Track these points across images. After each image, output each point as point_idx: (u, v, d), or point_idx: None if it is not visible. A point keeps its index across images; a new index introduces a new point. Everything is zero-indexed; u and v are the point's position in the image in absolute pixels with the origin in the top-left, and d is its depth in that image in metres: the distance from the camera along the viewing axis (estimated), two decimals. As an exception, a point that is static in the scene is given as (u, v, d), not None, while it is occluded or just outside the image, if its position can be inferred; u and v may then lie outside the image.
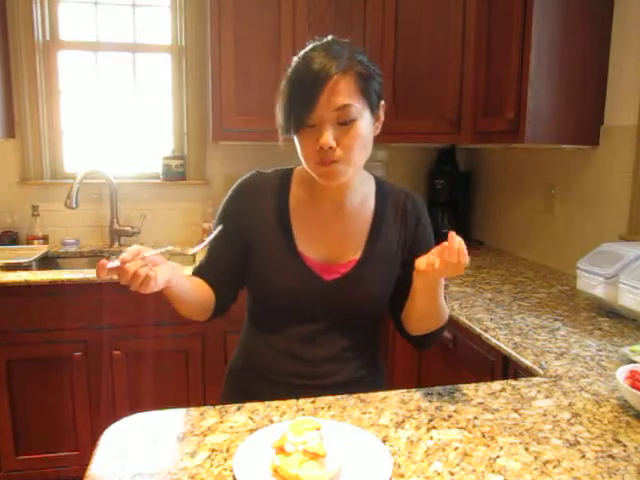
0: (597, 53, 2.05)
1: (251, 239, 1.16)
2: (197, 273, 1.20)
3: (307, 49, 1.06)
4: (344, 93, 1.02)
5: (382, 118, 1.13)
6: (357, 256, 1.15)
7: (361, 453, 0.88)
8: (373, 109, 1.08)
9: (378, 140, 2.80)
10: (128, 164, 2.87)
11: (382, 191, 1.21)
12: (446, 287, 1.99)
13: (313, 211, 1.17)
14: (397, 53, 2.47)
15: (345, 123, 1.02)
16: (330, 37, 1.08)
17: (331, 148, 1.02)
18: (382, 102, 1.12)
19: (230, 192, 1.20)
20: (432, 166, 3.01)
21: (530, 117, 2.00)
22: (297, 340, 1.16)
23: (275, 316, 1.18)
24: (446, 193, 2.93)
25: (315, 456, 0.81)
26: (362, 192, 1.18)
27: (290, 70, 1.06)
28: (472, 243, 2.90)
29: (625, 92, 1.99)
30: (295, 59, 1.06)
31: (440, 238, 2.86)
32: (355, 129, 1.03)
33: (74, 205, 2.53)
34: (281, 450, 0.83)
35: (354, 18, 2.45)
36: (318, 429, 0.86)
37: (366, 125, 1.06)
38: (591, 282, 1.69)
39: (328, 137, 1.01)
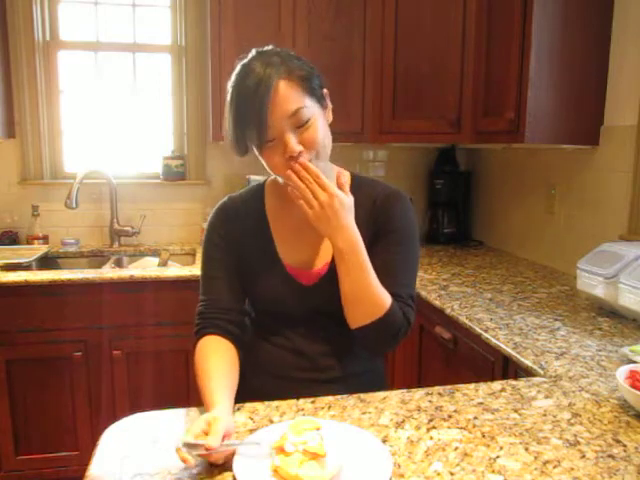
0: (597, 53, 2.05)
1: (239, 254, 1.18)
2: (208, 325, 1.15)
3: (244, 61, 1.06)
4: (291, 99, 1.02)
5: (329, 104, 1.13)
6: (329, 258, 1.15)
7: (361, 453, 0.88)
8: (321, 103, 1.09)
9: (378, 140, 2.79)
10: (128, 164, 2.87)
11: (358, 187, 1.18)
12: (446, 287, 2.01)
13: (289, 217, 1.19)
14: (397, 53, 2.47)
15: (302, 125, 1.03)
16: (269, 47, 1.09)
17: (300, 153, 1.03)
18: (325, 90, 1.12)
19: (207, 224, 1.22)
20: (432, 166, 3.01)
21: (530, 117, 2.00)
22: (296, 336, 1.17)
23: (271, 318, 1.20)
24: (446, 193, 2.93)
25: (315, 456, 0.81)
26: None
27: (231, 88, 1.05)
28: (472, 243, 2.91)
29: (625, 92, 1.99)
30: (233, 77, 1.06)
31: (440, 239, 2.79)
32: (313, 127, 1.04)
33: (74, 205, 2.53)
34: (281, 450, 0.83)
35: (354, 18, 2.45)
36: (318, 429, 0.86)
37: (321, 120, 1.07)
38: (591, 282, 1.69)
39: (293, 144, 1.02)
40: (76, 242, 2.72)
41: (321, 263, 1.16)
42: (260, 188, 1.24)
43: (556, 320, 1.65)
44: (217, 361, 1.07)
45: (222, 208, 1.22)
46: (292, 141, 1.02)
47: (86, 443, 2.19)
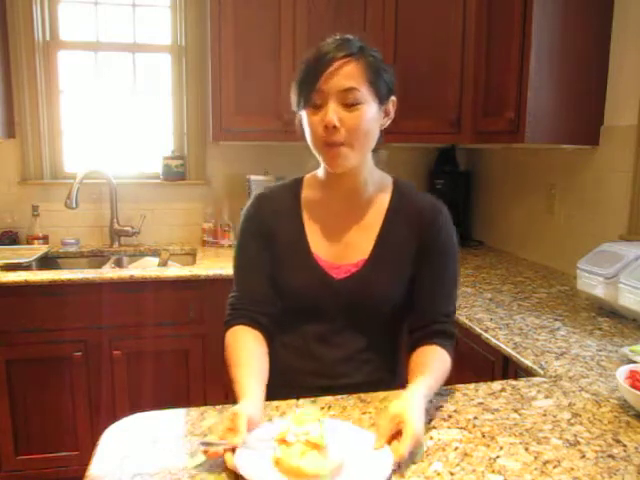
0: (597, 53, 2.05)
1: (272, 244, 1.18)
2: (239, 316, 1.16)
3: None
4: (350, 77, 1.05)
5: (392, 114, 1.16)
6: (366, 255, 1.15)
7: (362, 449, 0.88)
8: (382, 101, 1.11)
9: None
10: (128, 164, 2.87)
11: (400, 191, 1.21)
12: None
13: (325, 211, 1.19)
14: (397, 53, 2.46)
15: (350, 105, 1.05)
16: (349, 35, 1.12)
17: (335, 127, 1.04)
18: (393, 97, 1.15)
19: (243, 214, 1.23)
20: (432, 166, 3.01)
21: (530, 117, 2.00)
22: (312, 339, 1.16)
23: (291, 316, 1.18)
24: (446, 193, 2.92)
25: (317, 447, 0.81)
26: (375, 186, 1.19)
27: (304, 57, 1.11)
28: (472, 243, 2.91)
29: (625, 92, 1.99)
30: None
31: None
32: (359, 112, 1.06)
33: (74, 205, 2.53)
34: (283, 442, 0.83)
35: (354, 18, 2.45)
36: (320, 422, 0.86)
37: (372, 113, 1.08)
38: (591, 282, 1.69)
39: (332, 116, 1.04)
40: (76, 242, 2.72)
41: (355, 259, 1.15)
42: (298, 181, 1.24)
43: (556, 320, 1.65)
44: (245, 350, 1.08)
45: (259, 198, 1.22)
46: (332, 110, 1.04)
47: (86, 443, 2.19)
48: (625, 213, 1.98)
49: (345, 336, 1.16)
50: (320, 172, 1.20)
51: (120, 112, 2.84)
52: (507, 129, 2.09)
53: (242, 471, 0.80)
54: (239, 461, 0.82)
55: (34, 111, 2.66)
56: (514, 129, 2.05)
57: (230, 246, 2.73)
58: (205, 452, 0.84)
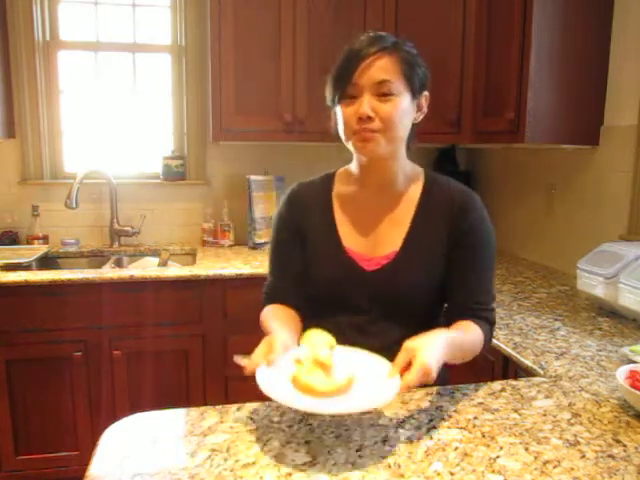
0: (597, 53, 2.05)
1: (304, 237, 1.21)
2: (272, 298, 1.25)
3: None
4: (384, 70, 1.08)
5: (425, 109, 1.18)
6: (397, 247, 1.16)
7: (374, 374, 0.93)
8: (414, 95, 1.13)
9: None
10: (128, 164, 2.87)
11: (432, 181, 1.21)
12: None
13: (357, 204, 1.20)
14: (397, 53, 2.47)
15: (384, 95, 1.07)
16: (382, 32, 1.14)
17: (369, 118, 1.06)
18: (426, 93, 1.17)
19: (276, 212, 1.27)
20: (432, 166, 3.01)
21: (530, 117, 2.00)
22: (350, 329, 1.17)
23: (327, 306, 1.20)
24: (446, 193, 2.92)
25: (323, 366, 0.88)
26: (406, 178, 1.19)
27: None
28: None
29: (625, 92, 1.99)
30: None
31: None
32: (393, 103, 1.08)
33: (74, 205, 2.53)
34: (298, 361, 0.91)
35: (354, 18, 2.45)
36: (332, 347, 0.94)
37: (406, 105, 1.10)
38: (591, 282, 1.69)
39: (366, 106, 1.06)
40: (76, 242, 2.72)
41: (386, 251, 1.16)
42: (330, 175, 1.26)
43: (556, 320, 1.65)
44: (277, 315, 1.17)
45: (290, 196, 1.25)
46: (366, 102, 1.07)
47: (86, 443, 2.19)
48: (625, 213, 1.98)
49: (381, 326, 1.17)
50: (353, 166, 1.22)
51: (120, 112, 2.84)
52: (507, 129, 2.09)
53: (263, 387, 0.87)
54: (261, 378, 0.88)
55: (34, 111, 2.66)
56: (514, 129, 2.05)
57: (230, 246, 2.74)
58: (244, 367, 0.92)
